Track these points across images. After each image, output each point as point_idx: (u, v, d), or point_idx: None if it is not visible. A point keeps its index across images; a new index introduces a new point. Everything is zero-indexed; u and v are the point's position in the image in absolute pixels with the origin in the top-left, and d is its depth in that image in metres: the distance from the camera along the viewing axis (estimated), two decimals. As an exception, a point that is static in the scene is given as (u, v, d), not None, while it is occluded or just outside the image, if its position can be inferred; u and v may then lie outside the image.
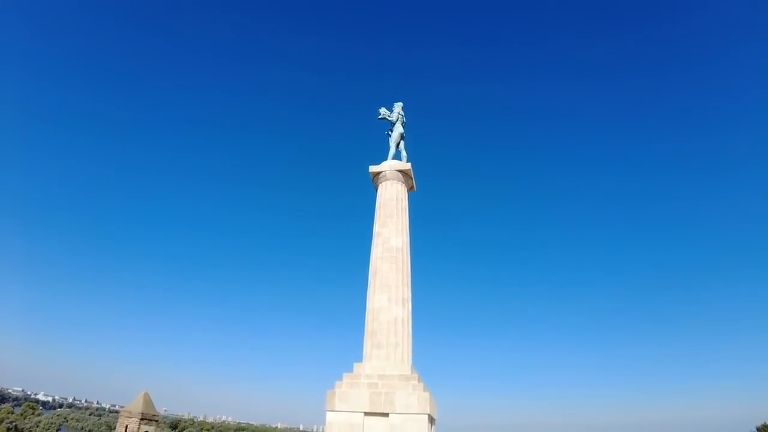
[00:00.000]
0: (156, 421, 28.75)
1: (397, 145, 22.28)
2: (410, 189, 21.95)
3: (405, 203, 21.02)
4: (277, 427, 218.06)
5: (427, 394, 16.36)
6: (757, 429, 47.18)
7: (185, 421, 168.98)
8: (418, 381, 17.12)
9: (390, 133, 22.58)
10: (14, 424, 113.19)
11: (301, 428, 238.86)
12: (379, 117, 22.62)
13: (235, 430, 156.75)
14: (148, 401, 28.50)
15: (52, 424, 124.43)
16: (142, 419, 27.41)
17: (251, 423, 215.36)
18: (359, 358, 18.66)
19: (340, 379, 17.65)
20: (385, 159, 21.91)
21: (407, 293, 19.18)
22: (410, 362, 18.02)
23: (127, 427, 27.30)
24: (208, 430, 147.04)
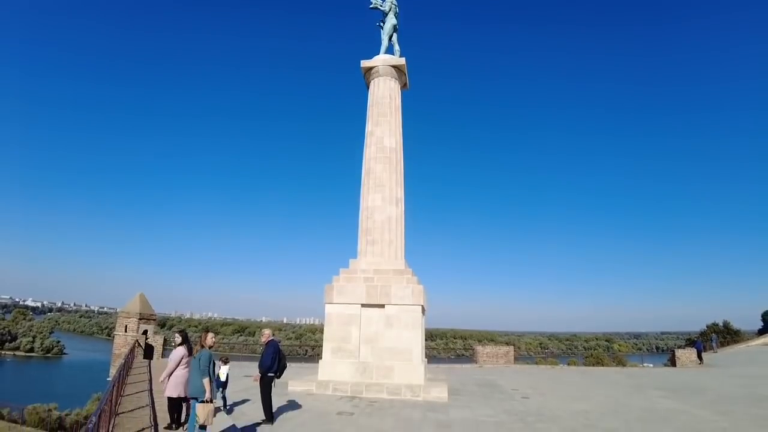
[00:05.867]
0: (154, 319, 29.83)
1: (390, 37, 20.94)
2: (403, 86, 21.13)
3: (398, 101, 20.34)
4: (261, 321, 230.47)
5: (420, 287, 17.16)
6: (707, 327, 51.90)
7: (172, 319, 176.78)
8: (412, 275, 17.87)
9: (382, 24, 21.09)
10: (7, 329, 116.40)
11: (285, 321, 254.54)
12: (371, 6, 20.98)
13: (221, 325, 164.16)
14: (144, 301, 29.34)
15: (44, 327, 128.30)
16: (140, 319, 28.36)
17: (237, 318, 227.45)
18: (352, 256, 19.14)
19: (337, 274, 18.26)
20: (377, 53, 20.80)
21: (400, 193, 19.31)
22: (403, 258, 18.67)
23: (126, 327, 28.27)
24: (194, 326, 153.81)
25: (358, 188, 19.50)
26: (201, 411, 7.50)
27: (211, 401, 7.74)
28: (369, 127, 19.81)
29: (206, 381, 7.71)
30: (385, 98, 19.88)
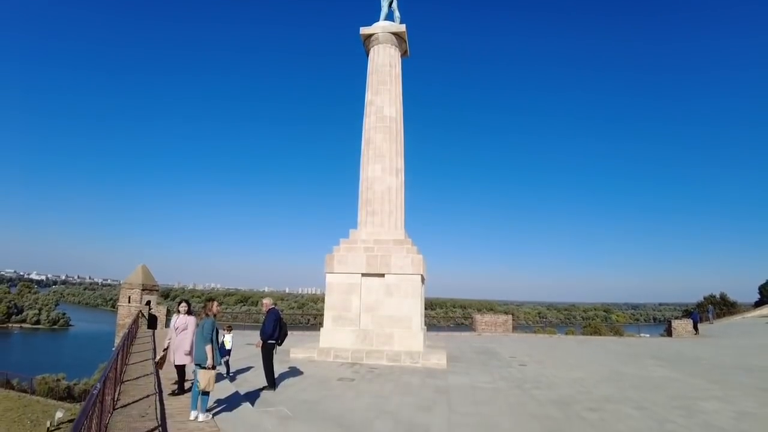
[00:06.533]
0: (157, 290, 30.10)
1: (390, 4, 20.34)
2: (404, 54, 20.67)
3: (398, 69, 19.93)
4: (264, 291, 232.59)
5: (420, 257, 17.24)
6: (704, 299, 52.29)
7: (175, 290, 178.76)
8: (412, 245, 17.92)
9: (381, -10, 20.50)
10: (13, 302, 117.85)
11: (287, 290, 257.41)
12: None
13: (224, 295, 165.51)
14: (146, 272, 29.55)
15: (50, 300, 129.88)
16: (143, 290, 28.60)
17: (239, 288, 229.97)
18: (353, 227, 19.14)
19: (337, 244, 18.32)
20: (377, 20, 20.27)
21: (400, 163, 19.16)
22: (403, 228, 18.69)
23: (130, 298, 28.56)
24: (198, 297, 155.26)
25: (359, 159, 19.34)
26: (202, 377, 7.64)
27: (213, 368, 7.86)
28: (368, 96, 19.49)
29: (208, 348, 7.82)
30: (385, 66, 19.47)
